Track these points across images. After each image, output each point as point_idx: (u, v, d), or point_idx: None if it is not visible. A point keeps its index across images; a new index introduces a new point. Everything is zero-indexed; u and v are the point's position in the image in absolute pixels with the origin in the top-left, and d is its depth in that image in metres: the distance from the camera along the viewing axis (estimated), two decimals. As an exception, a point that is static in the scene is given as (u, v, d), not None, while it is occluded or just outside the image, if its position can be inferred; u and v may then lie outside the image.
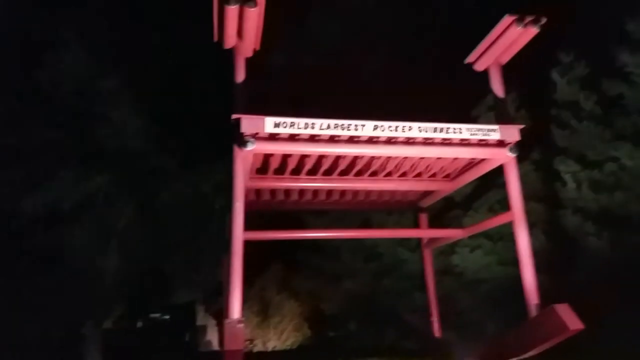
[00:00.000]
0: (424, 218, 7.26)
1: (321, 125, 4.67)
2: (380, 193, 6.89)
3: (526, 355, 4.98)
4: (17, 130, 8.18)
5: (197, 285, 12.14)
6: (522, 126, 5.10)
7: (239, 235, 4.58)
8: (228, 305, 4.40)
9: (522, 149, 7.39)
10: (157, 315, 22.19)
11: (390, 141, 4.90)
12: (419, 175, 6.09)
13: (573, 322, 4.37)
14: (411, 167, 5.87)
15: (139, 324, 21.81)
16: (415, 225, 7.36)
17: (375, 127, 4.77)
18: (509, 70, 5.86)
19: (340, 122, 4.72)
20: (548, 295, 5.56)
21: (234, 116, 4.65)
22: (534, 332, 4.74)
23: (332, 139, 4.78)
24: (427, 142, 4.93)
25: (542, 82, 7.85)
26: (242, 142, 4.54)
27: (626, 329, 5.89)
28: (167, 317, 22.05)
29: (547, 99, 7.58)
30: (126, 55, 8.72)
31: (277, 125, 4.63)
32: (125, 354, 10.66)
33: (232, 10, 4.49)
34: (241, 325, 4.25)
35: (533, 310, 4.81)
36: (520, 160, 7.36)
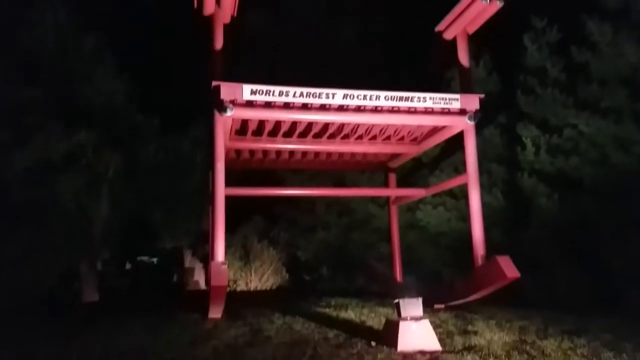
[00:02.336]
0: (392, 177, 7.81)
1: (294, 93, 5.07)
2: (353, 154, 7.39)
3: (471, 298, 5.70)
4: (3, 88, 8.34)
5: (183, 233, 12.79)
6: (482, 95, 5.54)
7: (220, 191, 5.08)
8: (213, 250, 5.01)
9: (489, 113, 7.94)
10: (145, 258, 23.09)
11: (359, 109, 5.35)
12: (387, 138, 6.58)
13: (511, 271, 5.00)
14: (380, 131, 6.34)
15: (128, 266, 22.72)
16: (387, 183, 7.92)
17: (345, 96, 5.19)
18: (485, 33, 6.20)
19: (312, 90, 5.12)
20: (501, 248, 6.22)
21: (214, 83, 5.01)
22: (479, 279, 5.40)
23: (305, 107, 5.21)
24: (394, 110, 5.39)
25: (514, 47, 8.16)
26: (221, 108, 4.93)
27: (565, 279, 6.64)
28: (154, 260, 22.98)
29: (517, 65, 7.93)
30: (108, 16, 8.78)
31: (253, 92, 5.01)
32: (118, 293, 11.31)
33: (211, -19, 4.75)
34: (225, 266, 4.87)
35: (479, 260, 5.45)
36: (486, 124, 7.91)
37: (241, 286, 12.09)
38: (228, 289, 5.12)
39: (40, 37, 8.78)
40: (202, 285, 13.65)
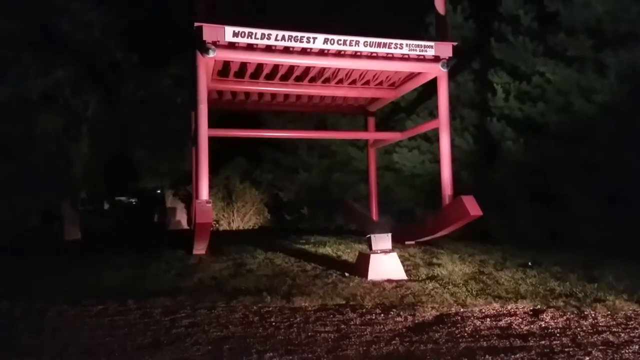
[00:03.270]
0: (371, 121, 8.10)
1: (276, 37, 5.20)
2: (334, 98, 7.60)
3: (438, 235, 6.22)
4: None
5: (164, 173, 12.92)
6: (455, 43, 5.77)
7: (204, 132, 5.28)
8: (197, 189, 5.29)
9: (464, 60, 8.14)
10: (123, 198, 23.17)
11: (339, 54, 5.53)
12: (367, 83, 6.81)
13: (474, 209, 5.46)
14: (360, 76, 6.55)
15: (106, 206, 22.84)
16: (366, 127, 8.20)
17: (326, 40, 5.34)
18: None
19: (294, 34, 5.26)
20: (470, 188, 6.66)
21: (196, 24, 5.08)
22: (445, 217, 5.88)
23: (287, 50, 5.36)
24: (372, 56, 5.60)
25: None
26: (203, 49, 5.05)
27: (527, 216, 7.20)
28: (133, 200, 23.09)
29: (493, 12, 8.05)
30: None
31: (235, 34, 5.12)
32: (99, 232, 11.53)
33: None
34: (209, 204, 5.17)
35: (446, 200, 5.90)
36: (461, 70, 8.14)
37: (223, 226, 12.49)
38: (211, 228, 5.44)
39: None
40: (185, 224, 14.04)
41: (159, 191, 16.66)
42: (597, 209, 6.32)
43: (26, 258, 6.36)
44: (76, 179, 10.26)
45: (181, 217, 14.16)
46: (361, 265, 4.82)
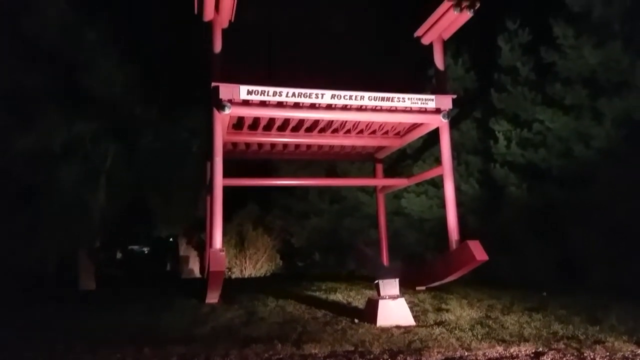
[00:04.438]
0: (379, 167, 8.39)
1: (287, 94, 5.60)
2: (342, 146, 7.93)
3: (447, 280, 6.32)
4: (8, 76, 8.68)
5: (178, 221, 13.17)
6: (454, 96, 6.12)
7: (219, 183, 5.59)
8: (211, 238, 5.52)
9: (466, 109, 8.50)
10: (135, 247, 23.33)
11: (346, 107, 5.90)
12: (373, 132, 7.14)
13: (480, 254, 5.61)
14: (366, 126, 6.90)
15: (119, 255, 22.97)
16: (374, 173, 8.47)
17: (333, 96, 5.73)
18: (463, 34, 6.69)
19: (303, 90, 5.66)
20: (476, 232, 6.81)
21: (213, 84, 5.51)
22: (453, 262, 6.02)
23: (297, 105, 5.75)
24: (377, 109, 5.95)
25: (490, 47, 8.70)
26: (220, 106, 5.45)
27: (533, 259, 7.29)
28: (145, 249, 23.23)
29: (492, 64, 8.48)
30: (112, 7, 9.15)
31: (250, 92, 5.53)
32: (113, 281, 11.66)
33: (211, -8, 5.23)
34: (223, 252, 5.38)
35: (453, 245, 6.07)
36: (463, 118, 8.50)
37: (236, 274, 12.54)
38: (224, 276, 5.63)
39: (44, 25, 9.08)
40: (197, 273, 14.12)
41: (171, 239, 16.87)
42: (603, 250, 6.42)
43: (42, 306, 6.51)
44: (92, 228, 10.53)
45: (194, 266, 14.26)
46: (370, 312, 4.93)
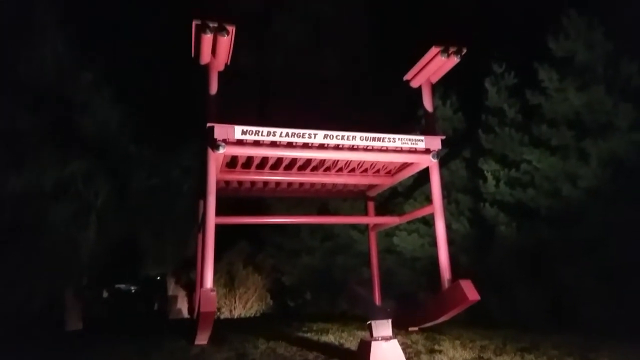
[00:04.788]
0: (371, 205, 8.45)
1: (280, 134, 5.71)
2: (334, 184, 8.00)
3: (440, 320, 6.27)
4: (3, 115, 8.76)
5: (167, 260, 13.02)
6: (443, 137, 6.27)
7: (211, 221, 5.59)
8: (202, 277, 5.47)
9: (455, 148, 8.67)
10: (122, 286, 22.86)
11: (338, 147, 6.01)
12: (365, 171, 7.24)
13: (472, 294, 5.61)
14: (358, 165, 7.00)
15: (105, 294, 22.47)
16: (366, 211, 8.52)
17: (326, 136, 5.85)
18: (451, 76, 6.92)
19: (296, 130, 5.78)
20: (466, 271, 6.81)
21: (209, 124, 5.60)
22: (445, 301, 5.98)
23: (290, 145, 5.85)
24: (368, 148, 6.07)
25: (477, 89, 8.99)
26: (214, 145, 5.52)
27: (525, 298, 7.28)
28: (132, 288, 22.77)
29: (479, 105, 8.73)
30: (106, 49, 9.37)
31: (244, 132, 5.63)
32: (101, 321, 11.42)
33: (207, 38, 5.41)
34: (213, 293, 5.31)
35: (445, 284, 6.06)
36: (453, 157, 8.66)
37: (225, 314, 12.30)
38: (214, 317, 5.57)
39: (39, 66, 9.27)
40: (185, 313, 13.83)
41: (158, 278, 16.59)
42: (592, 290, 6.44)
43: (29, 349, 6.37)
44: (81, 267, 10.38)
45: (182, 306, 13.98)
46: (362, 353, 4.86)
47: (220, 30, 5.32)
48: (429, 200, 8.64)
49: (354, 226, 10.26)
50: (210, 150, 5.60)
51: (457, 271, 6.24)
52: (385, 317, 4.95)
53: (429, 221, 8.74)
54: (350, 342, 5.91)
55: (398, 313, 6.20)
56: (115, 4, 9.81)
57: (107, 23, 9.45)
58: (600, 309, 6.28)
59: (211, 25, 5.30)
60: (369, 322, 4.95)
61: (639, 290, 5.88)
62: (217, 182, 6.83)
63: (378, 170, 7.25)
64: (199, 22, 5.36)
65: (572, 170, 7.04)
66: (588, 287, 6.49)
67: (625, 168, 6.77)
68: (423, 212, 7.06)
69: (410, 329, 6.63)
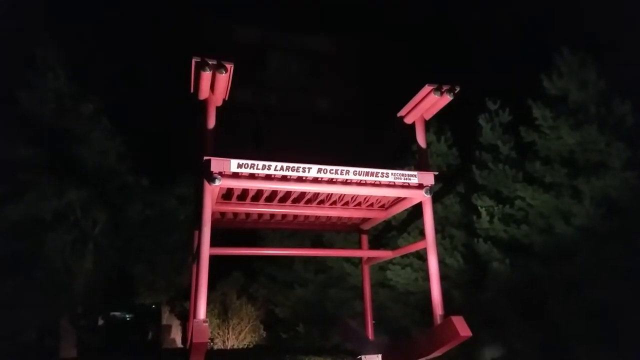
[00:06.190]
0: (365, 239, 8.45)
1: (275, 167, 5.80)
2: (328, 217, 8.03)
3: (432, 356, 6.21)
4: (2, 146, 8.94)
5: (162, 289, 12.98)
6: (436, 173, 6.35)
7: (205, 252, 5.61)
8: (195, 307, 5.45)
9: (449, 183, 8.76)
10: (117, 313, 22.60)
11: (331, 181, 6.09)
12: (358, 204, 7.28)
13: (464, 330, 5.56)
14: (352, 198, 7.06)
15: (100, 322, 22.19)
16: (360, 244, 8.53)
17: (319, 170, 5.94)
18: (445, 112, 7.08)
19: (291, 164, 5.86)
20: (460, 307, 6.79)
21: (205, 157, 5.70)
22: (437, 337, 5.94)
23: (285, 178, 5.93)
24: (361, 183, 6.14)
25: (471, 125, 9.15)
26: (211, 178, 5.60)
27: (518, 335, 7.23)
28: (127, 316, 22.50)
29: (473, 141, 8.88)
30: (105, 81, 9.66)
31: (240, 166, 5.72)
32: (94, 349, 11.30)
33: (206, 75, 5.58)
34: (206, 324, 5.29)
35: (438, 319, 6.02)
36: (447, 192, 8.75)
37: (218, 344, 12.17)
38: (207, 348, 5.53)
39: (40, 99, 9.52)
40: (179, 343, 13.68)
41: (153, 306, 16.46)
42: (587, 327, 6.41)
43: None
44: (76, 295, 10.37)
45: (176, 335, 13.84)
46: (353, 388, 4.86)
47: (218, 68, 5.48)
48: (422, 234, 8.62)
49: (347, 259, 10.25)
50: (206, 183, 5.68)
51: (451, 306, 6.23)
52: (377, 352, 4.94)
53: (422, 255, 8.75)
54: (342, 377, 5.87)
55: (389, 348, 6.16)
56: (115, 41, 10.14)
57: (107, 58, 9.74)
58: (594, 348, 6.24)
59: (210, 62, 5.47)
60: (360, 356, 4.95)
61: (631, 330, 5.86)
62: (213, 214, 6.85)
63: (372, 204, 7.31)
64: (198, 59, 5.53)
65: (565, 207, 7.12)
66: (579, 325, 6.46)
67: (618, 207, 6.85)
68: (416, 246, 7.09)
69: (402, 365, 6.54)
